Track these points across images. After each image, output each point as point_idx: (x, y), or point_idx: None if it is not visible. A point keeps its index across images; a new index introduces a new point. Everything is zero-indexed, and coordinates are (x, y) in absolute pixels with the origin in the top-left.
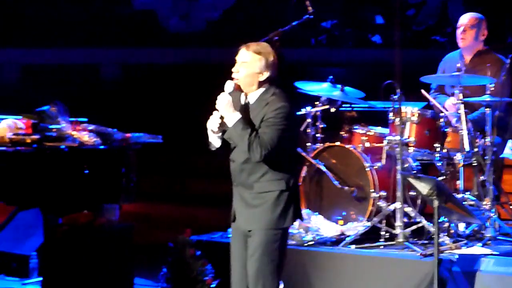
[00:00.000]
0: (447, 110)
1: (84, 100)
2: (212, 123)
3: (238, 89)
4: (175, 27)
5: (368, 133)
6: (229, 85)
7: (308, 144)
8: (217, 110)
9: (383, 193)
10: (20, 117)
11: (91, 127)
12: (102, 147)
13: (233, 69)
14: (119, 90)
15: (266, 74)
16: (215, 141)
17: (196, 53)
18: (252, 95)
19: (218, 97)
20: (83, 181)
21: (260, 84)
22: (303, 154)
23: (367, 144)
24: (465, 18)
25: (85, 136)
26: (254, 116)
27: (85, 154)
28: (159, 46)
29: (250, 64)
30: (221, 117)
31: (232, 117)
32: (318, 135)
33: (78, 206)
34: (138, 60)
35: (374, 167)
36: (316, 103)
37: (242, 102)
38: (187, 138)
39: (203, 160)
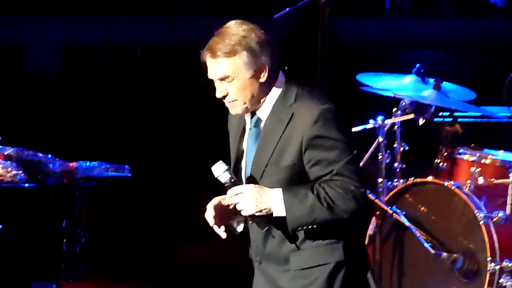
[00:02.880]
0: None
1: None
2: (212, 220)
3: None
4: None
5: (482, 160)
6: (221, 171)
7: (380, 180)
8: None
9: (508, 264)
10: None
11: (9, 151)
12: (27, 185)
13: (217, 95)
14: (58, 87)
15: (266, 69)
16: (234, 225)
17: None
18: (262, 109)
19: (235, 195)
20: None
21: (266, 86)
22: (371, 196)
23: (481, 180)
24: None
25: None
26: (275, 140)
27: None
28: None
29: (234, 75)
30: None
31: (276, 203)
32: (396, 164)
33: None
34: (88, 37)
35: (493, 220)
36: (393, 110)
37: (248, 123)
38: (176, 171)
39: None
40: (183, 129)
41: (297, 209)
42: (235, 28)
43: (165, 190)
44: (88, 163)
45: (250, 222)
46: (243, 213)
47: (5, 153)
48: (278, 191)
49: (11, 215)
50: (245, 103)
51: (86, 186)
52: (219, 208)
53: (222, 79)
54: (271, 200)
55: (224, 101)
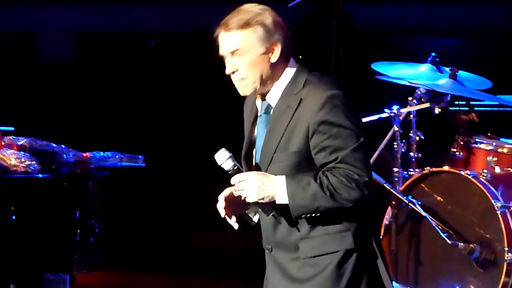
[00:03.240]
0: None
1: (11, 92)
2: (223, 211)
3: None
4: None
5: (499, 150)
6: (223, 157)
7: (395, 169)
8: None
9: None
10: None
11: (23, 141)
12: (41, 175)
13: (227, 72)
14: (71, 77)
15: (278, 48)
16: (251, 215)
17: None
18: (271, 94)
19: (237, 183)
20: (9, 233)
21: (277, 69)
22: (386, 186)
23: (498, 169)
24: None
25: (11, 157)
26: (284, 125)
27: (11, 188)
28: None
29: (245, 48)
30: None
31: (280, 191)
32: (412, 153)
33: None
34: (101, 26)
35: (510, 209)
36: (409, 99)
37: (259, 109)
38: (190, 159)
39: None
40: (196, 119)
41: (300, 197)
42: (249, 6)
43: (178, 179)
44: (101, 153)
45: (256, 209)
46: (247, 200)
47: (19, 143)
48: (282, 179)
49: (24, 205)
50: (254, 82)
51: (99, 176)
52: (230, 199)
53: (233, 53)
54: (273, 187)
55: (233, 79)
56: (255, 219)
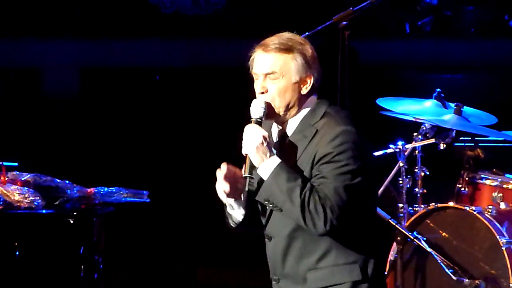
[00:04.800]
0: None
1: (15, 127)
2: (224, 184)
3: (269, 115)
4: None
5: (504, 186)
6: (258, 106)
7: (400, 205)
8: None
9: None
10: None
11: (26, 176)
12: (45, 211)
13: (257, 89)
14: (75, 112)
15: (310, 81)
16: (235, 212)
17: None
18: (290, 123)
19: (245, 131)
20: (13, 269)
21: (303, 101)
22: (391, 221)
23: (503, 205)
24: None
25: (15, 192)
26: (298, 155)
27: (15, 223)
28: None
29: (282, 73)
30: (252, 166)
31: (269, 164)
32: (417, 189)
33: None
34: (108, 59)
35: None
36: (414, 134)
37: (274, 136)
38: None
39: (227, 235)
40: (201, 153)
41: (280, 183)
42: (291, 34)
43: (183, 215)
44: (106, 189)
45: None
46: (243, 149)
47: (23, 179)
48: (276, 160)
49: (28, 241)
50: (279, 108)
51: (104, 212)
52: (229, 180)
53: (268, 74)
54: (266, 158)
55: (258, 99)
56: (239, 216)
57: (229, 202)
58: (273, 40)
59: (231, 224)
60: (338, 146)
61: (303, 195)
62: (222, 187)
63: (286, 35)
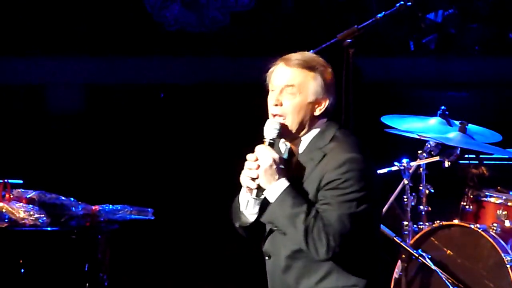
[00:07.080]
0: None
1: (20, 144)
2: (254, 170)
3: (281, 135)
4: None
5: (509, 203)
6: (272, 127)
7: (405, 223)
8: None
9: None
10: None
11: (31, 194)
12: (50, 228)
13: (270, 101)
14: (80, 130)
15: (325, 104)
16: (249, 211)
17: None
18: (300, 141)
19: (257, 151)
20: (18, 287)
21: (314, 122)
22: (396, 239)
23: (508, 223)
24: None
25: (20, 210)
26: (304, 177)
27: (20, 241)
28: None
29: (300, 89)
30: (258, 187)
31: (276, 188)
32: (421, 207)
33: None
34: (113, 76)
35: None
36: (418, 152)
37: (283, 154)
38: (199, 212)
39: (231, 252)
40: (206, 171)
41: (285, 207)
42: (314, 55)
43: (188, 232)
44: (111, 206)
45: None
46: (246, 167)
47: (28, 196)
48: (285, 183)
49: (33, 258)
50: (290, 125)
51: (108, 229)
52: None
53: (287, 86)
54: (271, 183)
55: (271, 111)
56: (251, 218)
57: (252, 195)
58: (296, 56)
59: (239, 225)
60: (344, 173)
61: (307, 221)
62: (250, 174)
63: (310, 54)
